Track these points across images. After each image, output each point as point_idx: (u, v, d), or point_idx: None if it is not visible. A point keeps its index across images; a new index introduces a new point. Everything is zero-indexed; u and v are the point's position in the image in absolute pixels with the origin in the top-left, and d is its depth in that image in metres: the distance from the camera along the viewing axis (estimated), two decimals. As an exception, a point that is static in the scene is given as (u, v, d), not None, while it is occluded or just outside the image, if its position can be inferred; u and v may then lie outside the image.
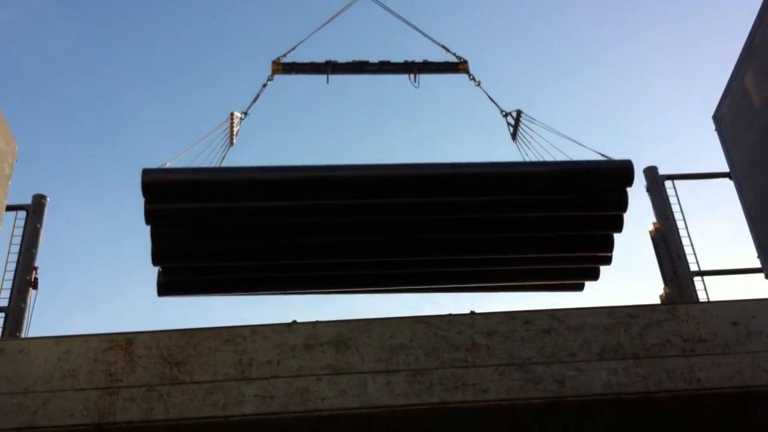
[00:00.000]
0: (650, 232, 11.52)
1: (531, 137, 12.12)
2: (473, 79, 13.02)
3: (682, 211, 11.59)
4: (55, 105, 31.99)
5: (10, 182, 9.89)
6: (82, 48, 31.79)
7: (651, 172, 11.88)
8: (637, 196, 11.72)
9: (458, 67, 13.20)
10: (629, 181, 10.02)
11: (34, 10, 30.34)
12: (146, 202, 9.86)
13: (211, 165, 11.28)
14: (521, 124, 12.45)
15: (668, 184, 11.83)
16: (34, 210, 11.33)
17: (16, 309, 10.61)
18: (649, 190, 11.86)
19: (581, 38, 32.25)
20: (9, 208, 10.66)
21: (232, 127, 12.35)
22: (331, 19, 13.57)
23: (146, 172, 9.83)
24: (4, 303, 10.62)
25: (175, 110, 32.37)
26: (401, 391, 7.69)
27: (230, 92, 31.58)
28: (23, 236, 11.14)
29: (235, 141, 12.30)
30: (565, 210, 10.16)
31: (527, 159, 11.94)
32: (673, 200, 11.70)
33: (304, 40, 13.25)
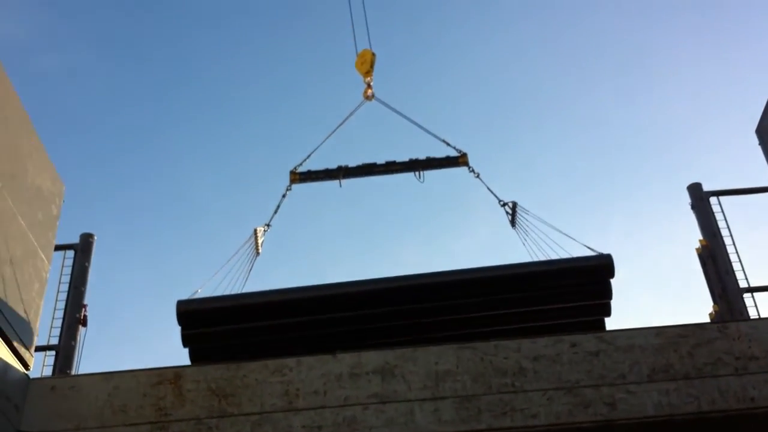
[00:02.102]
0: (697, 249, 11.37)
1: (528, 225, 12.76)
2: (472, 171, 13.64)
3: (728, 227, 11.42)
4: (97, 142, 32.63)
5: (58, 222, 10.08)
6: (120, 85, 32.46)
7: (695, 189, 11.80)
8: (683, 213, 11.82)
9: (459, 160, 13.88)
10: (611, 273, 10.49)
11: (74, 52, 31.07)
12: (182, 329, 10.39)
13: (241, 277, 12.25)
14: (520, 214, 13.10)
15: (713, 200, 11.69)
16: (82, 249, 11.54)
17: (67, 347, 10.78)
18: (693, 207, 11.75)
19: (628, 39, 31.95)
20: (58, 248, 10.85)
21: (256, 240, 12.98)
22: (341, 124, 14.37)
23: (181, 304, 10.41)
24: (55, 341, 10.79)
25: (215, 141, 32.91)
26: (449, 418, 7.64)
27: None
28: (72, 275, 11.34)
29: (260, 251, 12.99)
30: (554, 303, 10.59)
31: (527, 244, 12.60)
32: (718, 216, 11.55)
33: (317, 148, 14.05)
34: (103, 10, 31.39)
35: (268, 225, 13.44)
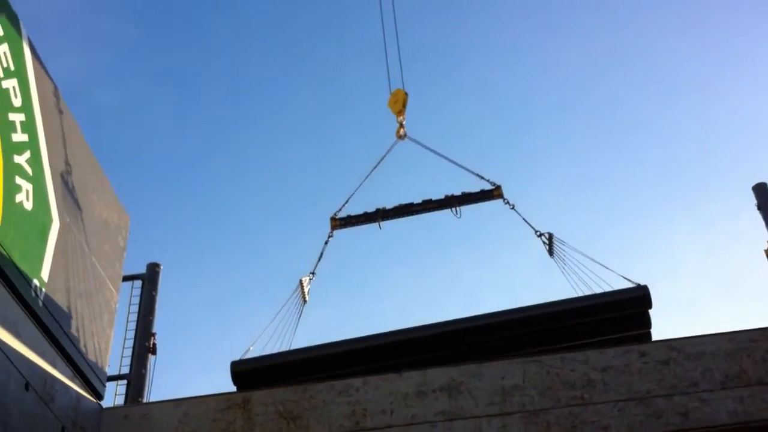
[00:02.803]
0: (765, 250, 11.12)
1: (566, 255, 12.70)
2: (507, 202, 13.60)
3: (796, 225, 11.17)
4: (158, 176, 33.40)
5: (125, 254, 10.33)
6: (178, 117, 33.25)
7: (761, 189, 11.61)
8: (750, 214, 11.62)
9: (493, 193, 13.79)
10: (648, 304, 10.42)
11: (131, 89, 31.89)
12: (238, 388, 10.49)
13: (290, 330, 12.37)
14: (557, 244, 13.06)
15: (780, 200, 11.43)
16: (149, 278, 11.80)
17: (137, 375, 11.00)
18: (760, 207, 11.53)
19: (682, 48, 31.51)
20: (125, 278, 11.12)
21: (303, 289, 13.15)
22: (376, 166, 14.47)
23: (235, 364, 10.60)
24: (126, 370, 11.03)
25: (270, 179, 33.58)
26: (518, 433, 7.57)
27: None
28: (140, 304, 11.59)
29: (308, 299, 13.20)
30: (596, 335, 10.52)
31: (566, 273, 12.49)
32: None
33: (354, 192, 14.18)
34: (157, 44, 32.22)
35: (313, 273, 13.59)
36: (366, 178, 14.39)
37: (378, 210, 13.84)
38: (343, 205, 14.12)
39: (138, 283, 11.73)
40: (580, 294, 11.30)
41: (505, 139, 32.94)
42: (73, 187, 8.99)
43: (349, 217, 14.02)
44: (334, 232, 13.92)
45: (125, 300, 11.46)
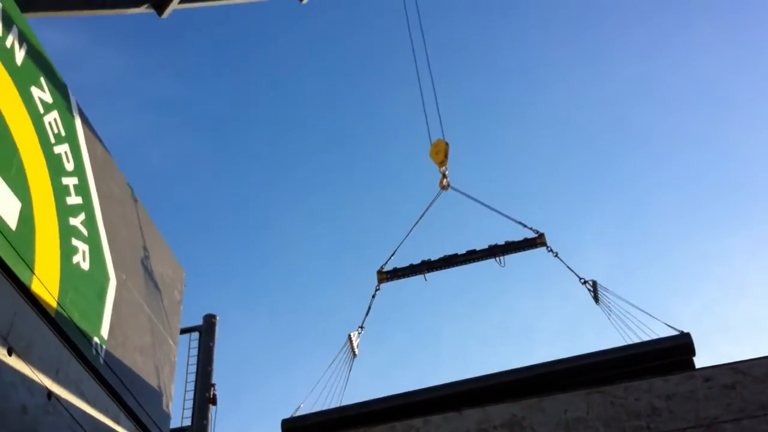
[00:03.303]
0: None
1: (610, 302, 12.66)
2: (551, 250, 13.52)
3: None
4: (209, 226, 33.96)
5: (181, 307, 10.48)
6: (225, 172, 33.89)
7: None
8: None
9: (536, 241, 13.73)
10: (691, 351, 10.34)
11: (180, 144, 32.58)
12: None
13: (341, 385, 12.24)
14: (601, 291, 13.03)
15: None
16: (206, 330, 11.92)
17: (200, 427, 11.07)
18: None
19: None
20: (183, 331, 11.26)
21: (352, 344, 13.26)
22: (420, 218, 14.64)
23: (286, 422, 10.53)
24: (188, 422, 11.11)
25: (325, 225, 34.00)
26: (585, 467, 7.41)
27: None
28: (198, 356, 11.71)
29: (357, 352, 13.22)
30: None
31: (611, 320, 12.36)
32: None
33: (400, 245, 14.40)
34: (199, 98, 32.93)
35: (361, 327, 13.69)
36: (410, 231, 14.55)
37: (423, 262, 14.00)
38: (389, 258, 14.30)
39: (196, 335, 11.86)
40: (627, 341, 11.23)
41: (547, 182, 32.91)
42: (128, 244, 9.18)
43: (395, 270, 14.18)
44: (381, 285, 14.08)
45: (184, 351, 11.60)
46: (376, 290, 14.04)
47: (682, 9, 30.85)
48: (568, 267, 13.56)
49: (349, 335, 13.37)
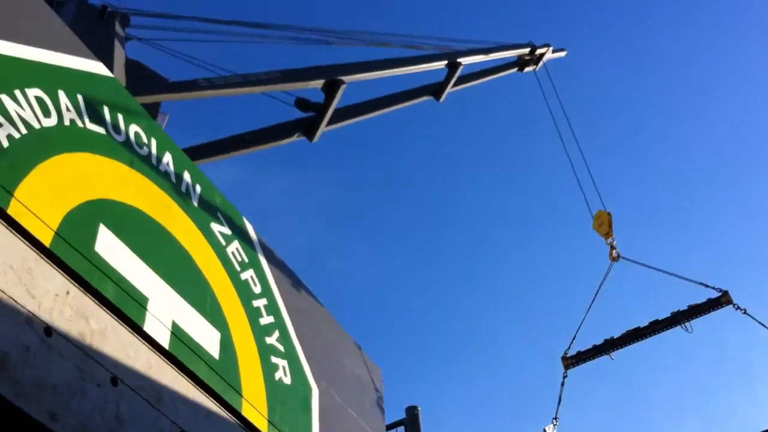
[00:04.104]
0: None
1: None
2: (738, 308, 12.98)
3: None
4: (395, 324, 34.62)
5: (383, 403, 10.65)
6: (398, 267, 34.69)
7: None
8: None
9: (721, 300, 13.35)
10: None
11: (355, 252, 33.77)
12: None
13: None
14: None
15: None
16: (410, 422, 12.02)
17: None
18: None
19: None
20: (388, 426, 11.42)
21: None
22: (595, 296, 14.37)
23: None
24: None
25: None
26: None
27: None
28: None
29: None
30: None
31: None
32: None
33: (579, 328, 14.15)
34: (366, 203, 34.12)
35: (555, 418, 13.36)
36: (588, 311, 14.27)
37: (607, 341, 13.73)
38: (571, 343, 14.04)
39: (401, 429, 11.98)
40: None
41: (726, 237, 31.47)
42: (323, 352, 9.51)
43: (579, 354, 13.93)
44: (568, 371, 13.79)
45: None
46: (564, 377, 13.71)
47: None
48: (760, 323, 12.91)
49: (545, 429, 13.10)
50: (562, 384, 13.70)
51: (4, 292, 5.14)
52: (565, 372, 13.81)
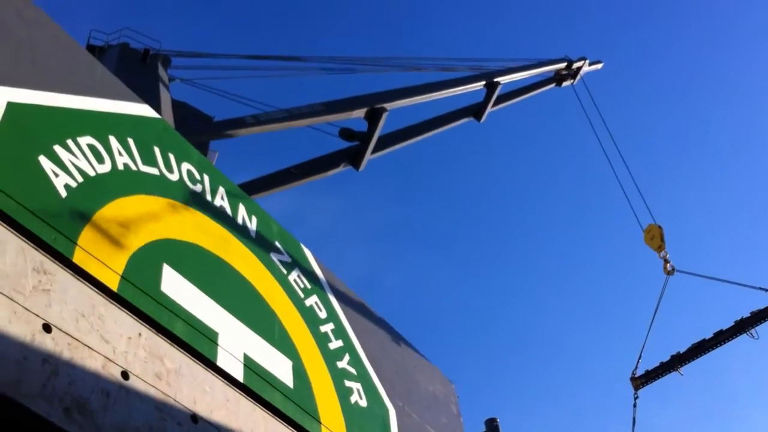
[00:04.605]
0: None
1: None
2: None
3: None
4: (457, 337, 34.44)
5: (461, 419, 10.50)
6: (458, 277, 34.53)
7: None
8: None
9: None
10: None
11: (410, 264, 33.80)
12: None
13: None
14: None
15: None
16: (490, 434, 11.83)
17: None
18: None
19: None
20: (467, 441, 11.22)
21: None
22: (655, 312, 14.15)
23: None
24: None
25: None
26: None
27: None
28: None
29: None
30: None
31: None
32: None
33: (644, 346, 13.97)
34: (420, 217, 34.09)
35: None
36: (650, 328, 14.05)
37: (673, 357, 13.46)
38: (638, 362, 13.84)
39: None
40: None
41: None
42: (395, 372, 9.40)
43: (647, 373, 13.72)
44: (638, 392, 13.55)
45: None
46: (636, 398, 13.45)
47: None
48: None
49: None
50: (634, 405, 13.42)
51: (78, 341, 5.15)
52: (636, 393, 13.53)
